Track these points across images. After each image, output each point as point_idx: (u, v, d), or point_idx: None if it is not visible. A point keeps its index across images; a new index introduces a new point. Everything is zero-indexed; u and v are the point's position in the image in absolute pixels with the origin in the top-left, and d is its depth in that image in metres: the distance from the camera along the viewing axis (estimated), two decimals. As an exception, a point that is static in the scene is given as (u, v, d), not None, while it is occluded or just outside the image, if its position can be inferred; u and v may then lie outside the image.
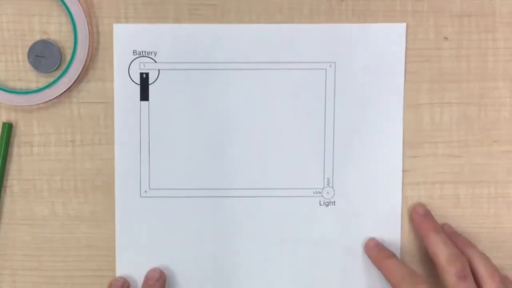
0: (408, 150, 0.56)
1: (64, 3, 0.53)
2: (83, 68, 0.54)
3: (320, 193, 0.55)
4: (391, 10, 0.55)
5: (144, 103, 0.55)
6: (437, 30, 0.55)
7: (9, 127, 0.54)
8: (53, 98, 0.54)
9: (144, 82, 0.55)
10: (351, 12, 0.54)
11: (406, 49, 0.55)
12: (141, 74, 0.55)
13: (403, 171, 0.56)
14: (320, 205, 0.56)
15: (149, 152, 0.55)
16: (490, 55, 0.55)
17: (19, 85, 0.55)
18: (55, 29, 0.54)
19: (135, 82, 0.55)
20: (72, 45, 0.54)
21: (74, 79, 0.54)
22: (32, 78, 0.55)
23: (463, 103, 0.56)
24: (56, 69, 0.54)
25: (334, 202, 0.55)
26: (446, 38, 0.55)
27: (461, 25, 0.55)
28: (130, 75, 0.54)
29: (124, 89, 0.55)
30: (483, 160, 0.56)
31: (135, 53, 0.54)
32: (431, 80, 0.55)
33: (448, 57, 0.55)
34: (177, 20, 0.54)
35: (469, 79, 0.55)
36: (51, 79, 0.54)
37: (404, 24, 0.55)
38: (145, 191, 0.55)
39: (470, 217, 0.56)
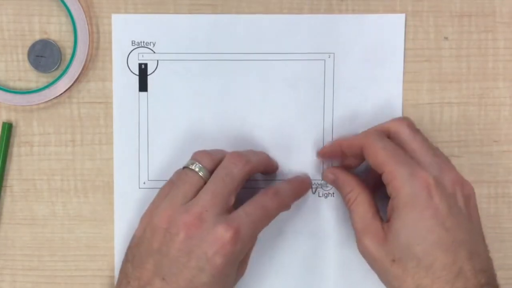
0: (408, 150, 0.55)
1: (64, 3, 0.53)
2: (83, 68, 0.54)
3: (319, 184, 0.55)
4: (391, 10, 0.55)
5: (143, 93, 0.55)
6: (437, 30, 0.55)
7: (9, 127, 0.54)
8: (53, 98, 0.54)
9: (143, 73, 0.55)
10: (351, 12, 0.54)
11: (405, 47, 0.55)
12: (140, 64, 0.55)
13: (403, 171, 0.55)
14: (319, 196, 0.55)
15: (147, 143, 0.55)
16: (490, 55, 0.55)
17: (19, 85, 0.55)
18: (55, 29, 0.54)
19: (133, 73, 0.54)
20: (72, 45, 0.54)
21: (74, 79, 0.54)
22: (32, 78, 0.55)
23: (463, 103, 0.56)
24: (56, 69, 0.54)
25: (333, 193, 0.55)
26: (446, 38, 0.55)
27: (461, 25, 0.55)
28: (129, 65, 0.54)
29: (123, 80, 0.54)
30: (483, 160, 0.56)
31: (133, 44, 0.54)
32: (431, 80, 0.55)
33: (448, 57, 0.55)
34: (176, 13, 0.54)
35: (469, 79, 0.55)
36: (51, 79, 0.54)
37: (403, 15, 0.55)
38: (144, 183, 0.55)
39: (470, 217, 0.56)
